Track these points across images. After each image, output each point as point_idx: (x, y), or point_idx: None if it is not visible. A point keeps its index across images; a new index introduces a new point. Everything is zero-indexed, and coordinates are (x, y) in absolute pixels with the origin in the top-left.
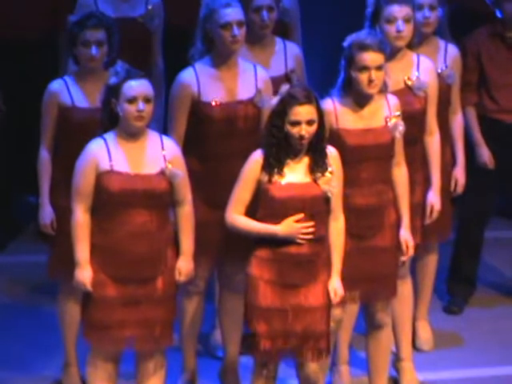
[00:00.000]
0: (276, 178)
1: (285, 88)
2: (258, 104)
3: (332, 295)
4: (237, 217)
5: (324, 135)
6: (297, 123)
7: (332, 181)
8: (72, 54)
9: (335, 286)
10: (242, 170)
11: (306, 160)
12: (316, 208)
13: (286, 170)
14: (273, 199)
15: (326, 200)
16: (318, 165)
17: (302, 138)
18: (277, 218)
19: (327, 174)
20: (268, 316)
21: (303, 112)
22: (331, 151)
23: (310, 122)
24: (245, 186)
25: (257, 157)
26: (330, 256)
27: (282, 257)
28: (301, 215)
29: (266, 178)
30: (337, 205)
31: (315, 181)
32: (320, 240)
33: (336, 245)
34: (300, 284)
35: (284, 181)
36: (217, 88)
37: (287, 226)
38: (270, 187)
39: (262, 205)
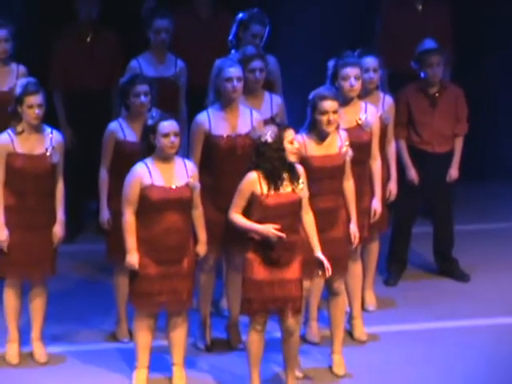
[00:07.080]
0: (271, 190)
1: (257, 132)
2: (252, 137)
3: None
4: (235, 215)
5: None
6: (291, 142)
7: (303, 189)
8: (124, 103)
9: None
10: (239, 185)
11: (285, 175)
12: (296, 209)
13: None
14: (267, 206)
15: (300, 202)
16: (294, 178)
17: (294, 148)
18: (268, 220)
19: (301, 184)
20: (260, 286)
21: (291, 134)
22: (299, 168)
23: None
24: (242, 196)
25: (253, 176)
26: (304, 239)
27: (271, 245)
28: (278, 226)
29: (260, 190)
30: (306, 203)
31: (293, 190)
32: (296, 230)
33: (312, 228)
34: (283, 264)
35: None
36: (223, 125)
37: (265, 229)
38: (264, 197)
39: (257, 210)
